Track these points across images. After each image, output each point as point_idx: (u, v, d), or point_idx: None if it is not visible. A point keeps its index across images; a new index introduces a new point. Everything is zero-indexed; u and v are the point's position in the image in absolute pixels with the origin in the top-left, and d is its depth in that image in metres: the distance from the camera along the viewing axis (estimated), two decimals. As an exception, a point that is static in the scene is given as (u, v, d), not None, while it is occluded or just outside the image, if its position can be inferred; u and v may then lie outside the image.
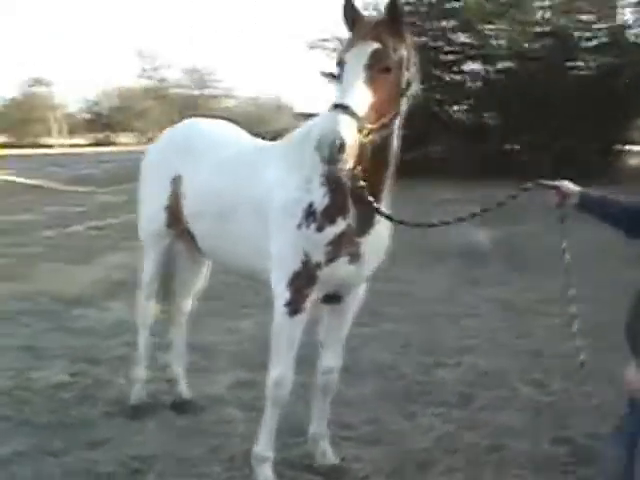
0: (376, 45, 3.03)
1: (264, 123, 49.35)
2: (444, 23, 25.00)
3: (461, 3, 23.64)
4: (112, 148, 53.25)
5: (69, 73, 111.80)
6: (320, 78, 25.94)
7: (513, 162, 21.64)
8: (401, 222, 3.50)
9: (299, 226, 3.44)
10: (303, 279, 3.47)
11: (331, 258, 3.43)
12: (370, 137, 3.00)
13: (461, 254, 10.28)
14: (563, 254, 3.38)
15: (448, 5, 24.46)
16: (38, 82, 57.01)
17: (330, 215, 3.39)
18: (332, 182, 3.36)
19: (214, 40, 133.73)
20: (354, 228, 3.41)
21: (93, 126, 65.68)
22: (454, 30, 25.03)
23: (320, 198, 3.41)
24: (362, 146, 2.97)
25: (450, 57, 25.04)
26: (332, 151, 2.82)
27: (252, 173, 3.81)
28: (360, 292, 3.87)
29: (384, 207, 3.46)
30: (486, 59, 24.36)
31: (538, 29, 23.69)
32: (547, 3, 24.75)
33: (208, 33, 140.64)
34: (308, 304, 3.53)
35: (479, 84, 25.19)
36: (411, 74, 3.20)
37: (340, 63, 3.07)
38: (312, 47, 26.17)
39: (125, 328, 6.15)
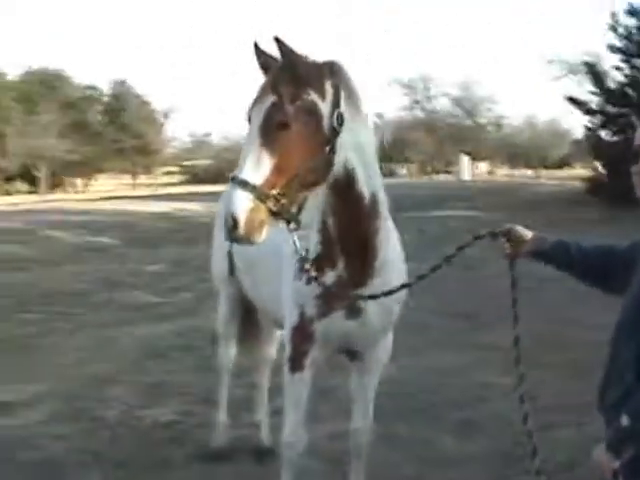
0: (272, 99, 2.66)
1: (541, 150, 46.52)
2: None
3: None
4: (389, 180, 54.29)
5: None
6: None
7: None
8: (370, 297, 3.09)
9: (295, 277, 3.23)
10: (300, 334, 3.23)
11: (323, 312, 3.15)
12: (293, 199, 2.67)
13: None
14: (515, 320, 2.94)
15: None
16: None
17: (319, 266, 3.09)
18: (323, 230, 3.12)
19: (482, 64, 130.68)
20: (346, 280, 3.07)
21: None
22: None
23: (313, 247, 3.14)
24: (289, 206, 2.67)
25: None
26: (228, 229, 2.56)
27: None
28: (383, 347, 3.50)
29: (385, 256, 3.14)
30: None
31: None
32: None
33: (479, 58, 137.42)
34: (308, 362, 3.27)
35: None
36: (338, 115, 2.76)
37: (249, 121, 2.75)
38: (571, 72, 25.40)
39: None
